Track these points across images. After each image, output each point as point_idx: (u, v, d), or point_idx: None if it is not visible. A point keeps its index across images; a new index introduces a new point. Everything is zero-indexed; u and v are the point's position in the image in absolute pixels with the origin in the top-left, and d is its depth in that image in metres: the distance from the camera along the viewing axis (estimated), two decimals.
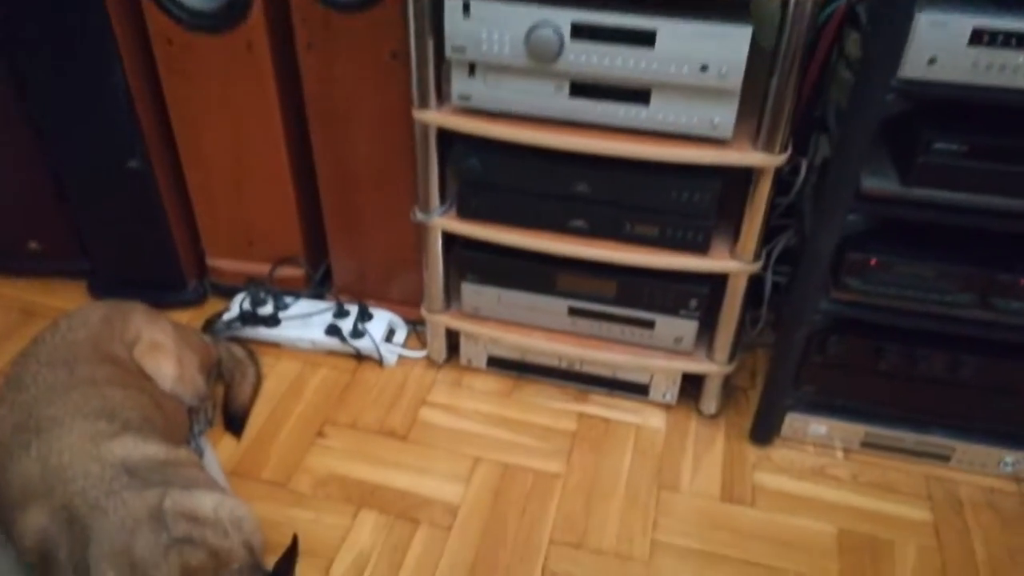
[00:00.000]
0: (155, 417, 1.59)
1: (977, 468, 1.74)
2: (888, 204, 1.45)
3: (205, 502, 1.42)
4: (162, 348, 1.72)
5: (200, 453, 1.75)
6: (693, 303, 1.71)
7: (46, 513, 1.38)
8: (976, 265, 1.48)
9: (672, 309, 1.73)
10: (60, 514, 1.37)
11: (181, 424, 1.72)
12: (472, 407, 1.91)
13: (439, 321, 1.92)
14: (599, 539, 1.62)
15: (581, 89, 1.49)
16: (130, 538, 1.33)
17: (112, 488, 1.38)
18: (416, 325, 2.07)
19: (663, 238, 1.62)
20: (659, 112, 1.48)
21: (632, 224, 1.62)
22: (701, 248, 1.61)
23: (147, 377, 1.68)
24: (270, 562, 1.52)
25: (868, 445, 1.77)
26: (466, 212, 1.71)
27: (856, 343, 1.63)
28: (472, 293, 1.84)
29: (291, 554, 1.34)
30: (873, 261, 1.51)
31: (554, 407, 1.91)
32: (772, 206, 1.57)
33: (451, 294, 1.91)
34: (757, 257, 1.62)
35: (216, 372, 1.91)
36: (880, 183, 1.44)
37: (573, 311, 1.80)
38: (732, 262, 1.62)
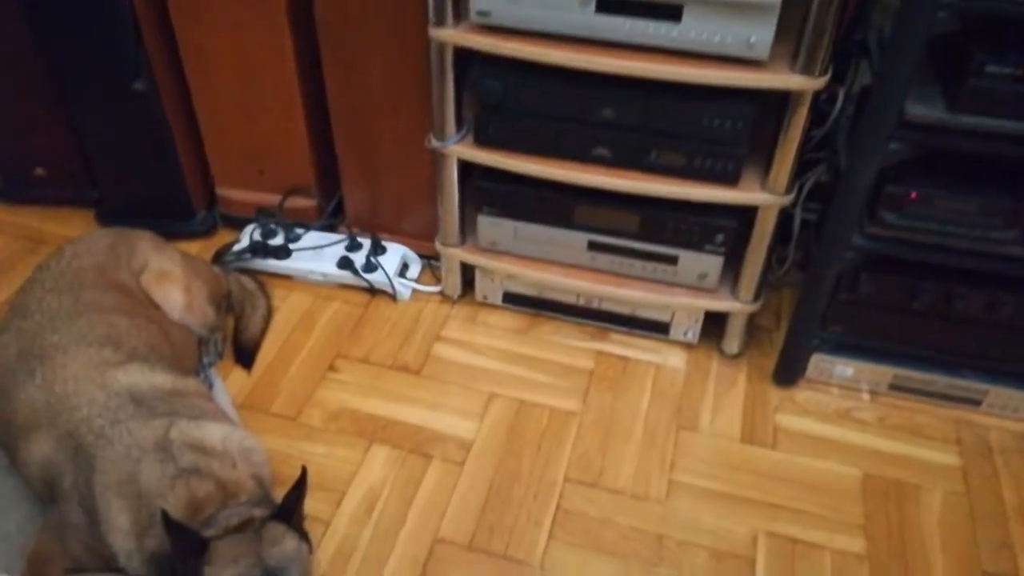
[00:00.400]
0: (162, 346, 1.55)
1: (1009, 413, 1.68)
2: (933, 132, 1.36)
3: (213, 433, 1.39)
4: (170, 276, 1.67)
5: (209, 385, 1.72)
6: (719, 238, 1.63)
7: (51, 441, 1.35)
8: (1022, 200, 1.39)
9: (697, 244, 1.66)
10: (65, 442, 1.34)
11: (190, 355, 1.69)
12: (487, 343, 1.86)
13: (454, 255, 1.86)
14: (615, 478, 1.58)
15: (608, 4, 1.40)
16: (135, 468, 1.30)
17: (118, 417, 1.35)
18: (430, 260, 2.02)
19: (691, 168, 1.54)
20: (691, 30, 1.38)
21: (658, 153, 1.54)
22: (731, 179, 1.53)
23: (155, 306, 1.64)
24: (280, 495, 1.49)
25: (896, 388, 1.71)
26: (483, 139, 1.63)
27: (889, 281, 1.56)
28: (488, 226, 1.78)
29: (300, 486, 1.30)
30: (913, 194, 1.43)
31: (571, 345, 1.86)
32: (806, 138, 1.49)
33: (467, 228, 1.85)
34: (789, 190, 1.54)
35: (226, 304, 1.87)
36: (925, 110, 1.35)
37: (593, 245, 1.74)
38: (763, 194, 1.54)
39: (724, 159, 1.51)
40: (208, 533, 1.24)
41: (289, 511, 1.28)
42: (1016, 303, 1.51)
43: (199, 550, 1.21)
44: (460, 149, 1.66)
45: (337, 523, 1.50)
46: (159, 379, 1.46)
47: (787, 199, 1.54)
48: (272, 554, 1.23)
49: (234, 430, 1.42)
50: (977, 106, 1.32)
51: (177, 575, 1.26)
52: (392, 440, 1.65)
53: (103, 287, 1.58)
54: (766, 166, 1.53)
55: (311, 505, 1.51)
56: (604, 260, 1.75)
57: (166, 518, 1.19)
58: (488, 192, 1.72)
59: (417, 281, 2.00)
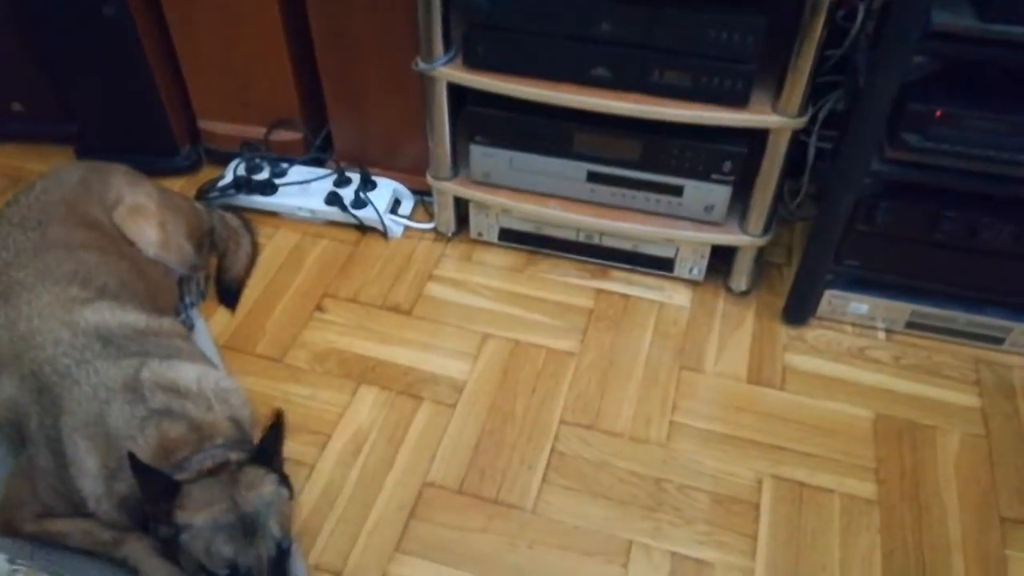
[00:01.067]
0: (136, 284, 1.47)
1: None
2: (960, 43, 1.23)
3: (187, 373, 1.31)
4: (144, 211, 1.58)
5: (190, 325, 1.65)
6: (727, 165, 1.53)
7: (15, 381, 1.28)
8: None
9: (703, 173, 1.55)
10: (29, 383, 1.27)
11: (168, 294, 1.61)
12: (482, 282, 1.77)
13: (446, 189, 1.76)
14: (613, 420, 1.50)
15: None
16: (103, 409, 1.23)
17: (84, 356, 1.27)
18: (423, 196, 1.92)
19: (697, 88, 1.42)
20: None
21: (661, 72, 1.42)
22: (740, 100, 1.42)
23: (129, 242, 1.56)
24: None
25: (913, 326, 1.62)
26: (473, 60, 1.52)
27: (909, 210, 1.45)
28: (481, 156, 1.67)
29: (277, 428, 1.23)
30: (937, 113, 1.31)
31: (570, 283, 1.77)
32: (821, 56, 1.37)
33: (459, 160, 1.74)
34: (803, 112, 1.42)
35: (209, 242, 1.79)
36: (952, 18, 1.23)
37: (592, 176, 1.63)
38: (774, 116, 1.42)
39: (733, 78, 1.39)
40: (180, 476, 1.18)
41: (267, 454, 1.22)
42: None
43: (170, 494, 1.15)
44: (449, 71, 1.54)
45: (322, 467, 1.44)
46: (131, 318, 1.38)
47: (800, 122, 1.43)
48: (248, 498, 1.17)
49: (209, 371, 1.35)
50: (1009, 13, 1.20)
51: (149, 521, 1.20)
52: (381, 382, 1.57)
53: (73, 223, 1.49)
54: (778, 86, 1.41)
55: (295, 448, 1.45)
56: (605, 192, 1.65)
57: (134, 461, 1.12)
58: (480, 119, 1.61)
59: (409, 218, 1.90)
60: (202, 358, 1.43)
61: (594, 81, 1.47)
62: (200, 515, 1.15)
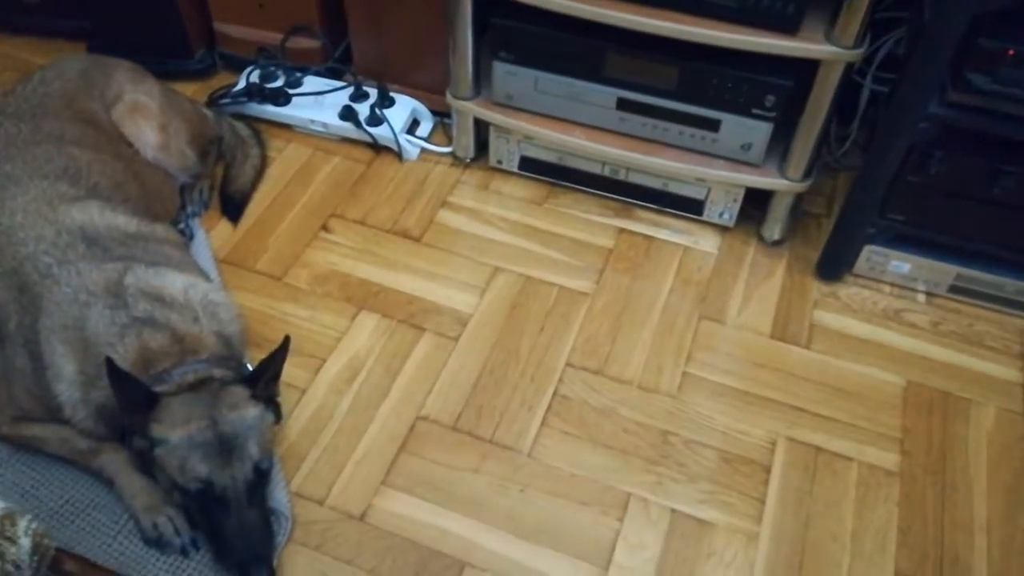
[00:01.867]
0: (130, 187, 1.40)
1: None
2: None
3: (175, 283, 1.25)
4: (145, 111, 1.50)
5: (190, 236, 1.57)
6: (770, 100, 1.40)
7: None
8: None
9: (743, 107, 1.42)
10: (9, 279, 1.22)
11: (167, 200, 1.54)
12: (498, 213, 1.68)
13: (466, 109, 1.65)
14: (622, 367, 1.41)
15: None
16: (83, 312, 1.17)
17: (67, 256, 1.21)
18: (444, 118, 1.81)
19: (742, 8, 1.29)
20: None
21: None
22: (790, 25, 1.28)
23: (127, 142, 1.49)
24: (255, 357, 1.37)
25: (957, 290, 1.49)
26: None
27: (968, 161, 1.31)
28: (505, 75, 1.56)
29: (279, 355, 1.16)
30: (1011, 52, 1.17)
31: (591, 220, 1.66)
32: None
33: (482, 80, 1.63)
34: (859, 43, 1.28)
35: (216, 151, 1.71)
36: None
37: (623, 104, 1.51)
38: (827, 46, 1.29)
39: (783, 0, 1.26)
40: (160, 389, 1.12)
41: (256, 377, 1.15)
42: None
43: (147, 405, 1.10)
44: None
45: (314, 391, 1.38)
46: (121, 220, 1.32)
47: (855, 55, 1.29)
48: (228, 418, 1.11)
49: (199, 282, 1.28)
50: None
51: (125, 431, 1.15)
52: (383, 308, 1.50)
53: (68, 117, 1.42)
54: (833, 13, 1.27)
55: (287, 371, 1.35)
56: (635, 123, 1.53)
57: (111, 367, 1.07)
58: (505, 32, 1.49)
59: (427, 140, 1.80)
60: (194, 269, 1.36)
61: None
62: (177, 430, 1.09)
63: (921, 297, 1.52)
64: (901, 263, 1.49)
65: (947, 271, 1.48)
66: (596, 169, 1.64)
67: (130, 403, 1.10)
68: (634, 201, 1.66)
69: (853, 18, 1.25)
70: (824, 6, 1.30)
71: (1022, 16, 1.20)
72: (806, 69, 1.35)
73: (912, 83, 1.24)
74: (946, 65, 1.21)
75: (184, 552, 1.17)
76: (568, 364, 1.42)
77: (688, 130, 1.50)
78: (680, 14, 1.33)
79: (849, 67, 1.33)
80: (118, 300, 1.19)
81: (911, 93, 1.25)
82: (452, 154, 1.77)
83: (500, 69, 1.55)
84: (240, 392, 1.15)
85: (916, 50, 1.22)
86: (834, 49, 1.28)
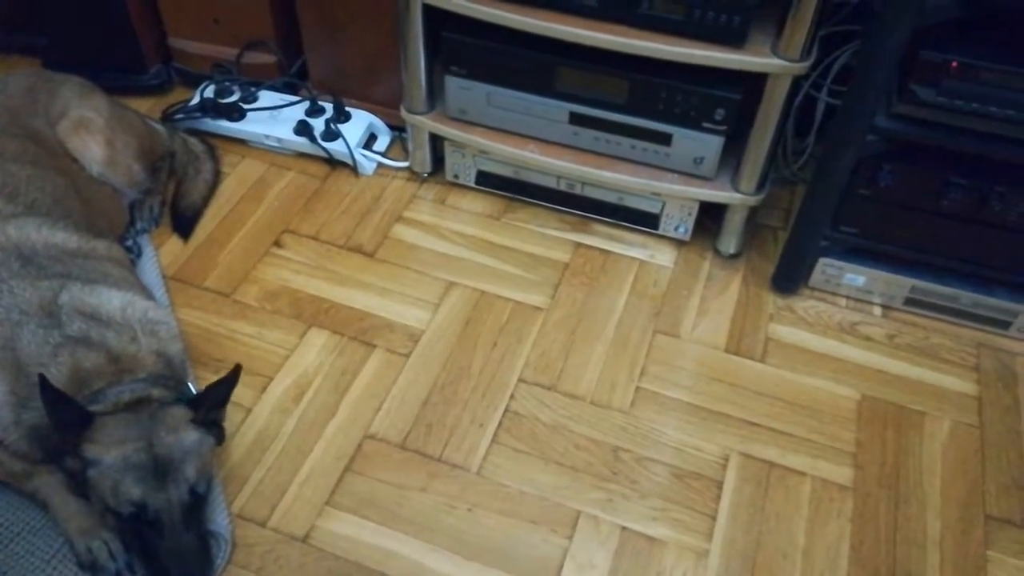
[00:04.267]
0: (71, 203, 1.37)
1: None
2: None
3: (112, 300, 1.22)
4: (90, 126, 1.48)
5: (137, 253, 1.55)
6: (720, 113, 1.39)
7: None
8: None
9: (694, 120, 1.42)
10: None
11: (114, 216, 1.51)
12: (454, 228, 1.66)
13: (420, 124, 1.63)
14: (575, 382, 1.39)
15: None
16: (15, 332, 1.14)
17: (0, 275, 1.18)
18: (402, 133, 1.79)
19: (689, 22, 1.28)
20: None
21: (652, 1, 1.28)
22: (736, 38, 1.28)
23: (72, 158, 1.46)
24: (200, 376, 1.35)
25: (913, 303, 1.49)
26: None
27: (916, 173, 1.31)
28: (457, 90, 1.54)
29: (227, 382, 1.13)
30: (954, 64, 1.17)
31: (548, 235, 1.65)
32: (837, 3, 1.22)
33: (436, 94, 1.62)
34: (805, 56, 1.28)
35: (169, 167, 1.68)
36: None
37: (575, 118, 1.50)
38: (773, 59, 1.29)
39: (729, 12, 1.26)
40: (94, 408, 1.09)
41: (200, 402, 1.12)
42: None
43: (81, 424, 1.06)
44: None
45: (259, 411, 1.35)
46: (60, 237, 1.29)
47: (801, 67, 1.29)
48: (165, 440, 1.08)
49: (138, 299, 1.25)
50: None
51: (58, 453, 1.12)
52: (333, 325, 1.47)
53: (10, 132, 1.39)
54: (779, 26, 1.27)
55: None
56: (588, 137, 1.52)
57: (44, 384, 1.03)
58: (455, 47, 1.48)
59: (384, 155, 1.78)
60: (136, 286, 1.33)
61: (578, 9, 1.33)
62: (110, 451, 1.06)
63: (877, 310, 1.51)
64: (856, 276, 1.49)
65: (902, 284, 1.47)
66: (552, 183, 1.63)
67: (63, 422, 1.07)
68: (591, 215, 1.65)
69: (798, 31, 1.24)
70: (770, 20, 1.30)
71: (964, 28, 1.20)
72: (755, 82, 1.34)
73: (858, 95, 1.24)
74: (891, 78, 1.21)
75: None
76: (521, 380, 1.40)
77: (640, 144, 1.49)
78: (628, 28, 1.32)
79: (797, 80, 1.32)
80: (52, 319, 1.16)
81: (857, 105, 1.25)
82: (409, 169, 1.75)
83: (452, 84, 1.54)
84: (180, 414, 1.12)
85: (860, 62, 1.22)
86: (780, 62, 1.28)
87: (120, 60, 1.89)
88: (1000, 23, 1.20)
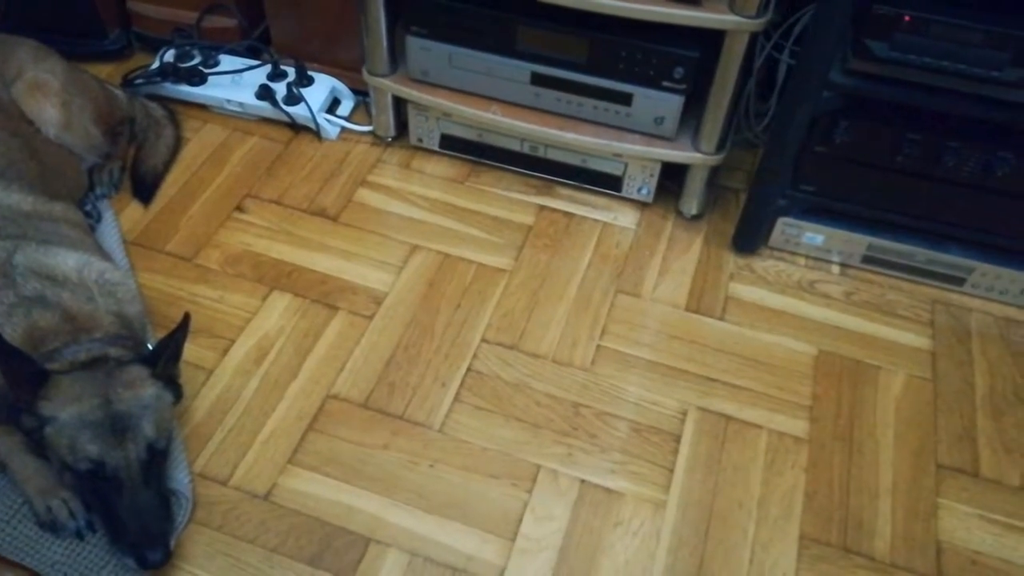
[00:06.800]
0: (27, 165, 1.36)
1: (995, 295, 1.47)
2: None
3: (66, 261, 1.21)
4: (45, 88, 1.46)
5: (97, 217, 1.53)
6: (679, 72, 1.40)
7: None
8: None
9: (653, 79, 1.42)
10: None
11: (71, 180, 1.49)
12: (418, 191, 1.66)
13: (383, 86, 1.63)
14: (537, 342, 1.40)
15: None
16: None
17: None
18: (366, 97, 1.78)
19: None
20: None
21: None
22: None
23: (28, 121, 1.44)
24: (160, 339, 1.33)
25: (870, 260, 1.51)
26: None
27: (871, 129, 1.32)
28: (419, 51, 1.54)
29: (178, 332, 1.13)
30: (907, 18, 1.17)
31: (512, 198, 1.65)
32: None
33: (398, 56, 1.61)
34: (761, 12, 1.28)
35: (129, 132, 1.66)
36: None
37: (537, 79, 1.50)
38: (730, 16, 1.29)
39: None
40: (51, 367, 1.09)
41: (156, 356, 1.12)
42: (1017, 162, 1.29)
43: (36, 382, 1.06)
44: None
45: (221, 372, 1.35)
46: (14, 199, 1.28)
47: (757, 24, 1.29)
48: (123, 397, 1.08)
49: (94, 260, 1.24)
50: None
51: (14, 411, 1.11)
52: (296, 288, 1.47)
53: None
54: None
55: (194, 352, 1.36)
56: (550, 98, 1.52)
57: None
58: (416, 5, 1.47)
59: (348, 119, 1.77)
60: (93, 248, 1.32)
61: None
62: (67, 408, 1.06)
63: (835, 268, 1.53)
64: (815, 235, 1.50)
65: (859, 242, 1.49)
66: (516, 146, 1.63)
67: (18, 380, 1.06)
68: (554, 178, 1.66)
69: None
70: None
71: None
72: (713, 41, 1.35)
73: (813, 51, 1.25)
74: (846, 32, 1.22)
75: (79, 535, 1.14)
76: (483, 340, 1.41)
77: (602, 104, 1.49)
78: None
79: (754, 37, 1.33)
80: (6, 279, 1.15)
81: (813, 61, 1.25)
82: (373, 133, 1.75)
83: (414, 44, 1.53)
84: (137, 371, 1.11)
85: (815, 17, 1.23)
86: (736, 18, 1.29)
87: (79, 26, 1.86)
88: None
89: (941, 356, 1.40)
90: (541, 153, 1.62)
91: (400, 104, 1.67)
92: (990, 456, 1.27)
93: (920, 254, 1.46)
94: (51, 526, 1.14)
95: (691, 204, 1.59)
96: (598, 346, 1.40)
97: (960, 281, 1.48)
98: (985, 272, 1.44)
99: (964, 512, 1.21)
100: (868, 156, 1.35)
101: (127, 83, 1.77)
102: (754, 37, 1.32)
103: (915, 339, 1.43)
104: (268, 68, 1.76)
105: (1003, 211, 1.36)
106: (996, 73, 1.18)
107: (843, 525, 1.19)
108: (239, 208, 1.60)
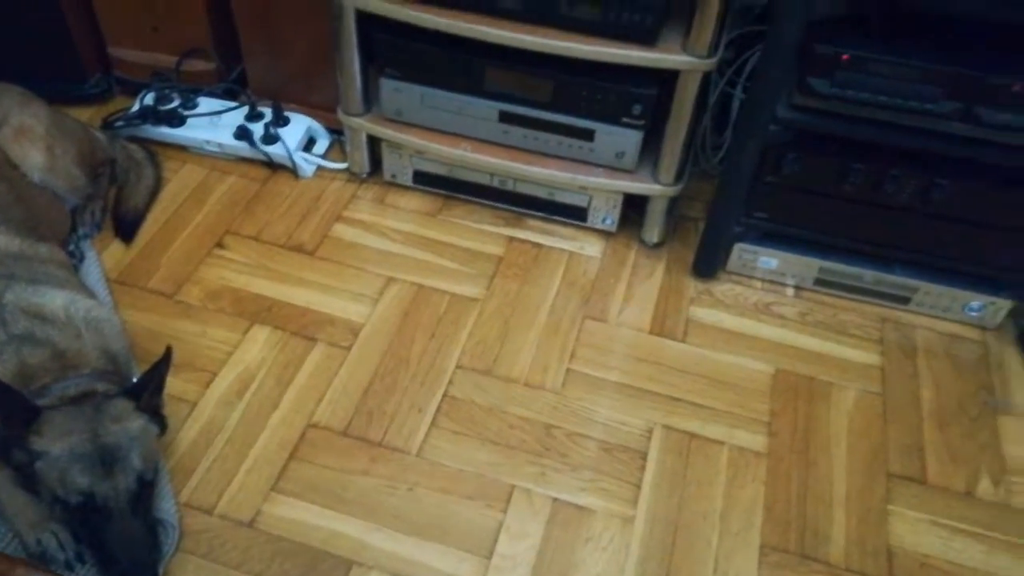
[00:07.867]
0: (13, 208, 1.41)
1: (939, 312, 1.56)
2: None
3: (54, 300, 1.26)
4: (30, 133, 1.51)
5: (80, 257, 1.58)
6: (637, 109, 1.48)
7: None
8: (965, 66, 1.24)
9: (613, 116, 1.51)
10: None
11: (56, 221, 1.54)
12: (393, 225, 1.72)
13: (357, 125, 1.70)
14: (510, 367, 1.47)
15: None
16: None
17: None
18: (341, 135, 1.85)
19: (605, 23, 1.37)
20: None
21: (570, 4, 1.37)
22: (648, 37, 1.37)
23: (13, 165, 1.49)
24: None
25: (822, 283, 1.59)
26: None
27: (817, 161, 1.42)
28: (392, 92, 1.61)
29: (161, 365, 1.18)
30: (845, 56, 1.27)
31: (483, 230, 1.72)
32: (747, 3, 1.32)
33: (372, 97, 1.68)
34: (712, 52, 1.37)
35: (110, 173, 1.71)
36: None
37: (505, 116, 1.58)
38: (683, 56, 1.38)
39: (641, 12, 1.34)
40: (40, 403, 1.13)
41: (140, 389, 1.17)
42: (953, 188, 1.38)
43: (27, 418, 1.10)
44: None
45: (204, 405, 1.39)
46: (2, 241, 1.33)
47: (709, 63, 1.38)
48: (111, 430, 1.13)
49: (80, 298, 1.29)
50: None
51: (5, 447, 1.15)
52: (275, 321, 1.52)
53: None
54: (687, 25, 1.37)
55: (177, 385, 1.40)
56: (517, 135, 1.60)
57: None
58: (389, 49, 1.55)
59: (324, 157, 1.84)
60: (78, 287, 1.37)
61: (502, 12, 1.41)
62: (57, 443, 1.10)
63: (790, 291, 1.62)
64: (769, 259, 1.59)
65: (811, 265, 1.58)
66: (486, 181, 1.70)
67: (9, 416, 1.10)
68: (523, 211, 1.73)
69: (704, 31, 1.34)
70: (680, 20, 1.40)
71: (856, 23, 1.30)
72: (669, 79, 1.44)
73: (761, 88, 1.34)
74: (790, 70, 1.31)
75: (69, 567, 1.17)
76: (458, 366, 1.47)
77: (566, 140, 1.57)
78: (549, 28, 1.40)
79: (707, 76, 1.42)
80: None
81: (761, 97, 1.35)
82: (348, 170, 1.81)
83: (387, 86, 1.61)
84: (123, 404, 1.16)
85: (761, 56, 1.32)
86: (689, 59, 1.38)
87: (60, 70, 1.91)
88: (886, 19, 1.31)
89: (890, 372, 1.49)
90: (510, 187, 1.69)
91: (374, 142, 1.74)
92: (937, 465, 1.36)
93: (868, 275, 1.55)
94: (41, 558, 1.17)
95: (653, 233, 1.67)
96: (568, 370, 1.46)
97: (906, 300, 1.57)
98: (928, 291, 1.54)
99: (914, 518, 1.29)
100: (816, 185, 1.44)
101: (108, 125, 1.82)
102: (707, 76, 1.41)
103: (865, 356, 1.51)
104: (245, 109, 1.83)
105: (942, 233, 1.45)
106: (931, 106, 1.27)
107: (800, 533, 1.26)
108: (219, 245, 1.66)
